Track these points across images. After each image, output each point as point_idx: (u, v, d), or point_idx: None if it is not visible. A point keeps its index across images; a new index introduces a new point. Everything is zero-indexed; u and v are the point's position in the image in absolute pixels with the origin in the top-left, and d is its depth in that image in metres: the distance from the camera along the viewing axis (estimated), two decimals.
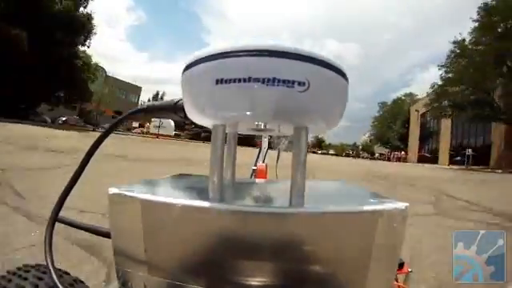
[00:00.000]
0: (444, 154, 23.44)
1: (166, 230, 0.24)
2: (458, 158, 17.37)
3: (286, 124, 0.26)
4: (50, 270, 0.28)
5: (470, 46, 16.15)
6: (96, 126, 20.35)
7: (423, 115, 30.03)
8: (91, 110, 30.53)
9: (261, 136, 1.23)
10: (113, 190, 0.26)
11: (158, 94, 41.42)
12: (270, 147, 1.34)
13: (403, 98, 42.98)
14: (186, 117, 0.29)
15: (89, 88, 19.19)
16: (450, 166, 16.76)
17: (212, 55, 0.22)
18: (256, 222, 0.23)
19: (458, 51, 16.47)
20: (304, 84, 0.21)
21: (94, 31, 17.64)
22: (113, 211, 0.26)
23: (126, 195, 0.25)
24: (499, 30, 14.45)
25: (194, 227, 0.24)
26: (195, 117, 0.26)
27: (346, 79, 0.24)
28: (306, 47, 0.21)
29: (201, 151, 7.96)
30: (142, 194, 0.25)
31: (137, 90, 42.01)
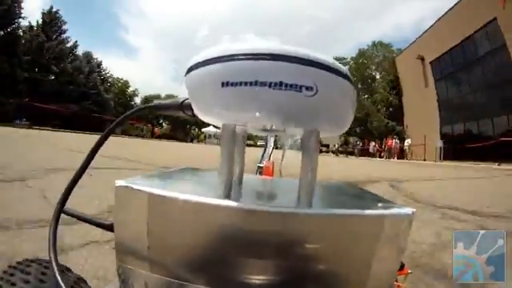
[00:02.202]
0: None
1: (172, 225, 0.24)
2: None
3: (295, 127, 0.26)
4: (52, 266, 0.28)
5: None
6: None
7: (434, 63, 14.13)
8: None
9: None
10: (120, 183, 0.25)
11: None
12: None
13: (369, 51, 24.50)
14: (194, 115, 0.29)
15: None
16: None
17: (217, 58, 0.21)
18: (263, 221, 0.23)
19: None
20: (312, 89, 0.21)
21: None
22: (118, 204, 0.26)
23: (133, 188, 0.25)
24: None
25: (202, 224, 0.23)
26: (203, 116, 0.26)
27: (352, 83, 0.23)
28: (305, 50, 0.21)
29: None
30: (149, 187, 0.25)
31: None
